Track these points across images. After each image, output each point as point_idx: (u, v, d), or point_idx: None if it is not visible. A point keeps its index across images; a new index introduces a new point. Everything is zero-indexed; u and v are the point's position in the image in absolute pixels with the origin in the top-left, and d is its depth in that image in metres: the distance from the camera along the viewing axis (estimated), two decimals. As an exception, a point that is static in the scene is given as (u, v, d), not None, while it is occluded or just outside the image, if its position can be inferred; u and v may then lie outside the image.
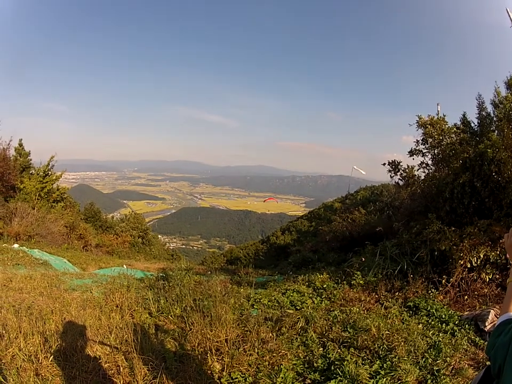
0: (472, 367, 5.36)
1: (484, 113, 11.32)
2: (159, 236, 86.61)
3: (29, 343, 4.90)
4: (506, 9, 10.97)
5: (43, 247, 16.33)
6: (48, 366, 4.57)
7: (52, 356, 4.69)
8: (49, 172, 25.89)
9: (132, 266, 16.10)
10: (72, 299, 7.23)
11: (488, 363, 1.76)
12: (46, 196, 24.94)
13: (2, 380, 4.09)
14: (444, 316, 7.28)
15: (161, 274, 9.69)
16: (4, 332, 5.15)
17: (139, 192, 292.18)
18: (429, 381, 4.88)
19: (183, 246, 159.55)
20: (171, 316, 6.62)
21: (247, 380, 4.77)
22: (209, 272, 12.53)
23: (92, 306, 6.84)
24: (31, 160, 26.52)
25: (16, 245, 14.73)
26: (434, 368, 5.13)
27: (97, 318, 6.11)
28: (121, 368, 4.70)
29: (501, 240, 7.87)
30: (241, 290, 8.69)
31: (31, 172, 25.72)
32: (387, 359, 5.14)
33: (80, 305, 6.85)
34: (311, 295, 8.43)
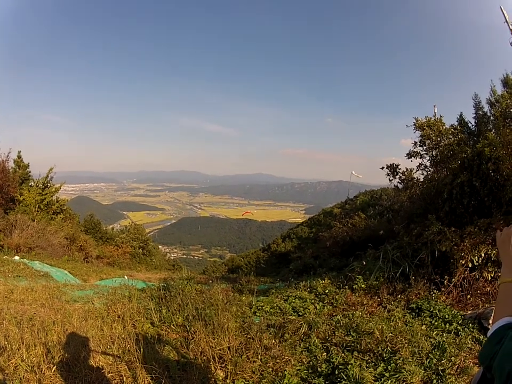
0: (477, 365, 5.34)
1: (480, 112, 11.40)
2: (160, 246, 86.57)
3: (31, 354, 4.90)
4: (500, 7, 11.15)
5: (44, 259, 16.27)
6: (51, 377, 4.58)
7: (55, 367, 4.70)
8: (49, 184, 25.92)
9: (133, 277, 16.07)
10: (73, 310, 7.24)
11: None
12: (45, 208, 24.96)
13: None
14: (447, 316, 7.28)
15: (162, 284, 9.65)
16: (6, 343, 5.15)
17: (138, 203, 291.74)
18: (434, 381, 4.88)
19: (184, 256, 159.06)
20: (173, 325, 6.59)
21: (251, 386, 4.76)
22: (211, 281, 12.52)
23: (94, 317, 6.85)
24: (30, 172, 26.58)
25: (16, 257, 14.69)
26: (439, 368, 5.12)
27: (100, 328, 6.11)
28: (124, 377, 4.70)
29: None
30: (243, 298, 8.68)
31: (30, 184, 25.77)
32: (391, 361, 5.13)
33: (82, 316, 6.86)
34: (313, 301, 8.43)
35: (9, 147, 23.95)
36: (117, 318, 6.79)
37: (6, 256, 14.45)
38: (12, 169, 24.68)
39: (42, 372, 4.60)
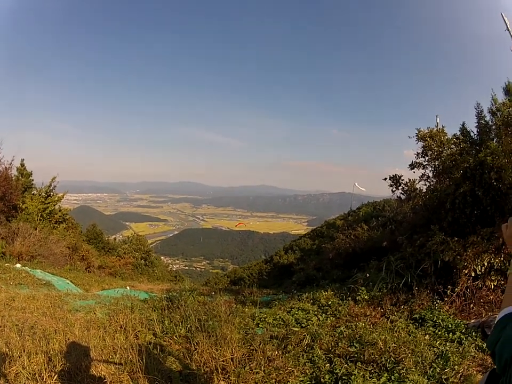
0: (480, 373, 5.35)
1: (482, 121, 11.42)
2: (162, 257, 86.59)
3: (32, 362, 4.88)
4: (502, 14, 11.23)
5: (45, 268, 16.26)
6: (52, 385, 4.53)
7: (56, 375, 4.67)
8: (51, 193, 26.08)
9: (135, 288, 16.08)
10: (75, 320, 7.26)
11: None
12: (48, 217, 25.06)
13: None
14: (450, 326, 7.31)
15: (165, 295, 9.66)
16: (7, 350, 5.15)
17: (141, 214, 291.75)
18: (438, 390, 4.86)
19: (186, 267, 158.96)
20: (176, 336, 6.62)
21: (254, 398, 4.75)
22: (213, 293, 12.50)
23: (96, 327, 6.82)
24: (33, 180, 26.64)
25: (18, 265, 14.66)
26: (442, 377, 5.13)
27: (102, 338, 6.08)
28: (126, 387, 4.67)
29: (503, 247, 7.91)
30: (246, 309, 8.71)
31: (33, 192, 25.88)
32: (395, 371, 5.13)
33: (83, 325, 6.85)
34: (316, 312, 8.45)
35: (12, 154, 23.96)
36: (119, 329, 6.81)
37: (7, 264, 14.44)
38: (15, 177, 24.67)
39: (44, 379, 4.58)
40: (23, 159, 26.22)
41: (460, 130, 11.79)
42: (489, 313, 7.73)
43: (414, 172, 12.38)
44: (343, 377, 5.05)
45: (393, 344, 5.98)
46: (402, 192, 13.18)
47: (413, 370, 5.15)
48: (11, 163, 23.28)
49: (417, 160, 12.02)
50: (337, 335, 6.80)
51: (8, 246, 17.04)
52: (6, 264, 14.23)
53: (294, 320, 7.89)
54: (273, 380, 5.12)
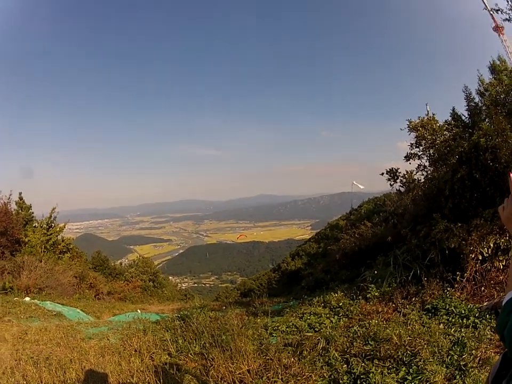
0: (499, 354, 5.30)
1: (472, 104, 11.46)
2: (170, 277, 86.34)
3: (51, 393, 4.88)
4: None
5: (55, 299, 16.28)
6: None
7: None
8: (53, 224, 26.06)
9: (146, 310, 16.09)
10: (89, 347, 7.31)
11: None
12: (52, 248, 25.06)
13: None
14: (463, 311, 7.28)
15: (176, 315, 9.65)
16: (24, 382, 5.15)
17: (144, 236, 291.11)
18: (457, 377, 4.87)
19: (195, 285, 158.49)
20: (191, 354, 6.61)
21: (274, 406, 4.73)
22: (224, 307, 12.50)
23: (111, 352, 6.88)
24: (33, 213, 26.63)
25: (27, 298, 14.69)
26: (461, 363, 5.12)
27: (117, 363, 6.15)
28: (146, 409, 4.67)
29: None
30: (258, 320, 8.72)
31: (34, 225, 25.93)
32: (412, 364, 5.12)
33: (98, 352, 6.91)
34: (328, 315, 8.43)
35: (10, 189, 24.06)
36: (133, 352, 6.84)
37: (16, 298, 14.47)
38: (15, 211, 24.75)
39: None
40: (21, 193, 26.26)
41: (450, 115, 11.81)
42: (501, 294, 7.68)
43: (410, 163, 12.39)
44: (361, 376, 5.05)
45: (408, 338, 5.99)
46: (401, 185, 13.18)
47: (431, 361, 5.15)
48: (9, 198, 23.42)
49: (412, 151, 12.02)
50: (351, 335, 6.78)
51: (15, 280, 17.07)
52: (15, 299, 14.26)
53: (307, 325, 7.91)
54: (292, 387, 5.11)
